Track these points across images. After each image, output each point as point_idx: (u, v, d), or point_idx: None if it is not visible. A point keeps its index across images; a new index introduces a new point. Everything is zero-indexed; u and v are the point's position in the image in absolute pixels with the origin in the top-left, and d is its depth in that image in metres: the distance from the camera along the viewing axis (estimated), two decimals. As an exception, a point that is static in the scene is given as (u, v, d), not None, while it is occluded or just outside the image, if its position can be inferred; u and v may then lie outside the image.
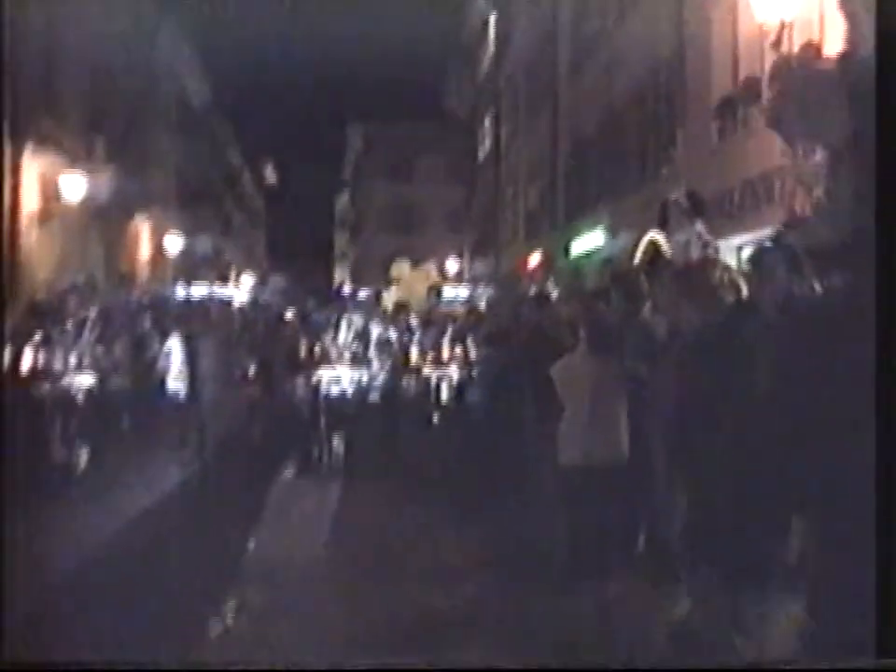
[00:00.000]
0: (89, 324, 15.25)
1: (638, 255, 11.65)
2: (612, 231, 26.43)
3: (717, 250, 10.50)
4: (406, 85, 62.04)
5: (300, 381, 16.31)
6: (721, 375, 6.50)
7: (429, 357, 16.84)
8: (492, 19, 49.59)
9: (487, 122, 53.35)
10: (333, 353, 16.20)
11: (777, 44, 13.40)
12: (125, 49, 36.60)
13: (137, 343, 16.25)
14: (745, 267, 8.23)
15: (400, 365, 16.92)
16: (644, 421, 8.92)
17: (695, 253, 10.30)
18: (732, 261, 9.20)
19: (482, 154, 55.53)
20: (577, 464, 9.55)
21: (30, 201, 27.32)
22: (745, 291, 7.64)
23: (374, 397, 16.65)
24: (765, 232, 11.09)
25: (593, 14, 30.18)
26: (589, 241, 30.05)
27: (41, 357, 14.11)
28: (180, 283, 39.11)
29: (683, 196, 11.30)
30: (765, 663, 5.61)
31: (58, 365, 14.25)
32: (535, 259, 38.61)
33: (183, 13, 43.76)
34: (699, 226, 10.75)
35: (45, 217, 28.07)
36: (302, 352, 16.36)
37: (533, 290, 34.93)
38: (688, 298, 7.99)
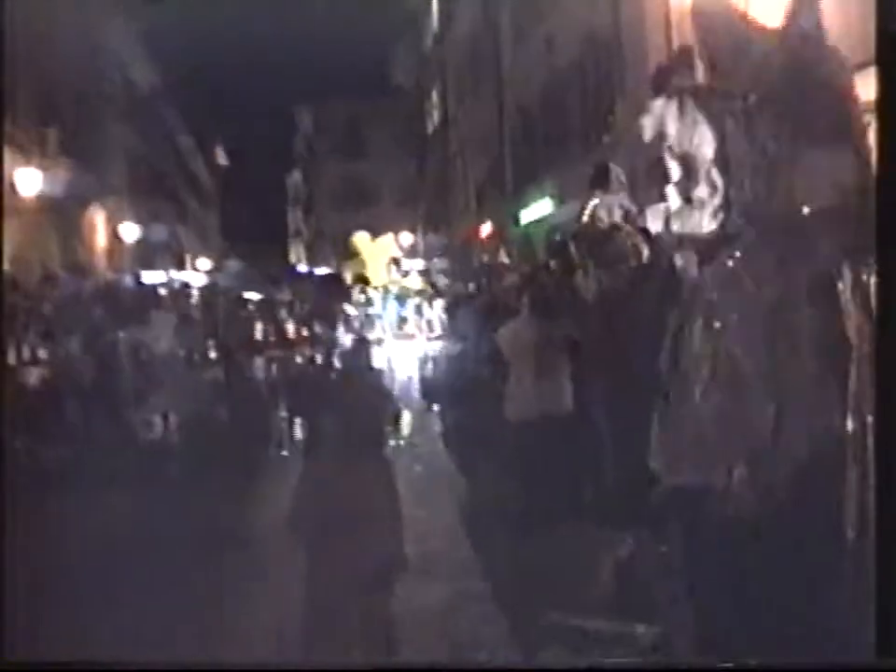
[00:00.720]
0: (44, 315, 15.41)
1: (584, 220, 12.09)
2: (559, 200, 27.01)
3: (633, 217, 10.99)
4: (352, 61, 62.39)
5: (259, 362, 16.24)
6: (634, 335, 6.91)
7: (393, 328, 16.86)
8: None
9: (434, 95, 53.76)
10: (293, 332, 16.37)
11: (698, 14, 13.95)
12: (71, 40, 36.86)
13: (93, 332, 15.74)
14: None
15: (362, 338, 16.16)
16: (582, 377, 9.53)
17: (615, 218, 10.86)
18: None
19: (430, 127, 55.96)
20: (524, 419, 10.30)
21: (-13, 197, 27.73)
22: (645, 256, 8.27)
23: (337, 372, 15.67)
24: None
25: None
26: (537, 209, 30.66)
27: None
28: (136, 270, 39.38)
29: (603, 168, 11.81)
30: (766, 663, 5.47)
31: (13, 358, 14.13)
32: (486, 228, 39.18)
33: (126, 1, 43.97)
34: (621, 195, 11.32)
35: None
36: (261, 332, 16.41)
37: (485, 260, 35.63)
38: (598, 262, 8.65)
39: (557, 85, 28.11)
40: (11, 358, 14.07)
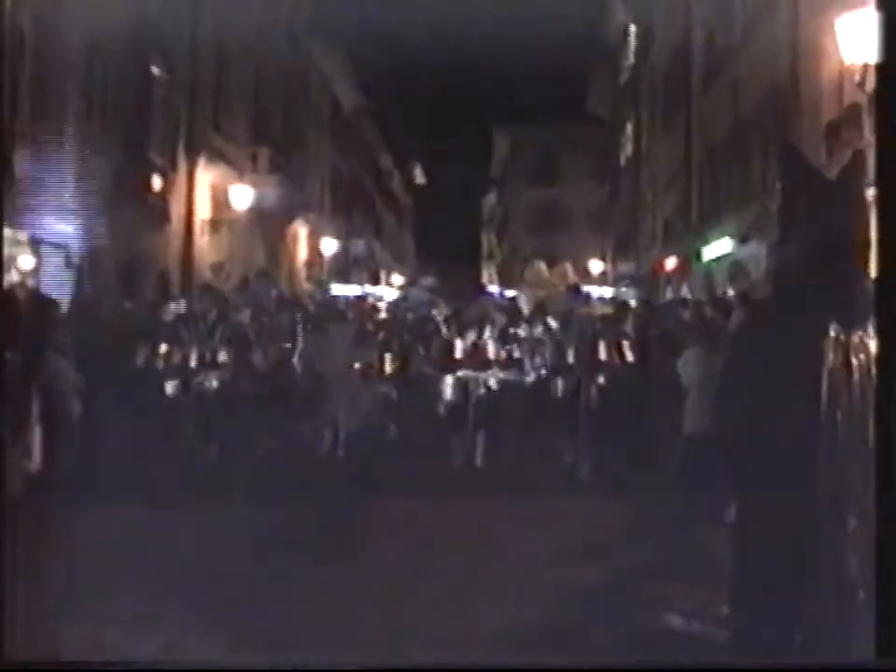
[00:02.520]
0: (234, 322, 15.26)
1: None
2: (739, 239, 28.05)
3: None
4: (550, 89, 63.71)
5: (438, 379, 15.91)
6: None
7: (571, 356, 15.89)
8: (632, 27, 51.20)
9: (629, 127, 54.89)
10: (474, 352, 15.69)
11: (861, 84, 15.20)
12: (281, 62, 38.94)
13: (275, 338, 15.70)
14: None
15: (541, 365, 16.08)
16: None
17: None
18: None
19: (623, 158, 57.08)
20: (694, 433, 11.87)
21: (203, 209, 29.89)
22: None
23: (516, 397, 15.75)
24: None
25: (722, 33, 31.97)
26: (719, 247, 31.76)
27: (180, 352, 14.36)
28: (330, 283, 41.06)
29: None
30: (766, 663, 5.60)
31: (194, 361, 14.45)
32: (671, 262, 40.25)
33: (332, 22, 45.87)
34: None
35: (215, 223, 30.56)
36: (443, 350, 16.01)
37: (669, 293, 36.53)
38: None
39: (741, 129, 29.27)
40: (193, 361, 14.43)
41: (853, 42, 15.82)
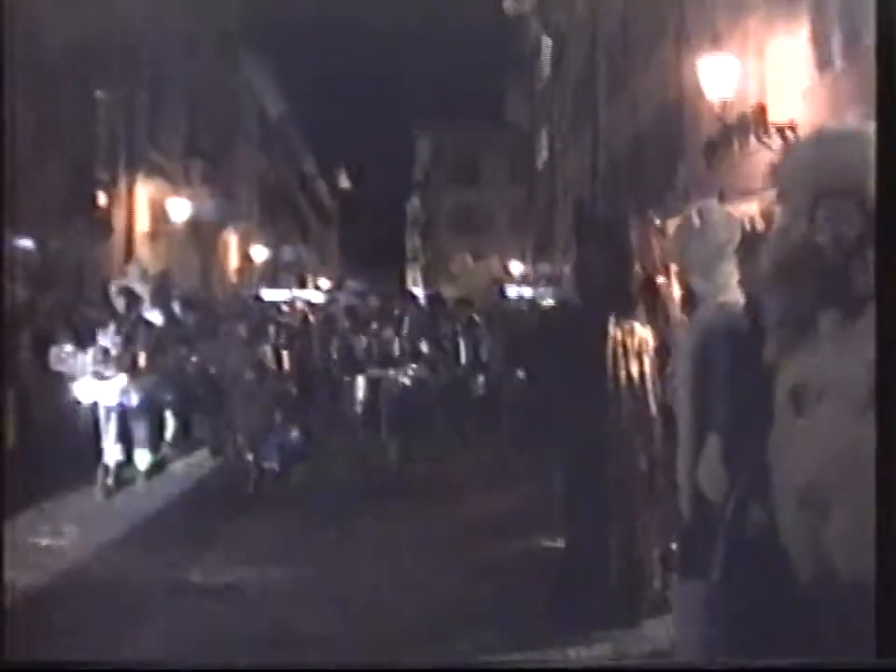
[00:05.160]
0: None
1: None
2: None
3: None
4: (470, 95, 65.50)
5: (355, 380, 15.87)
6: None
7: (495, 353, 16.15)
8: (545, 38, 53.52)
9: (543, 133, 57.05)
10: (391, 351, 15.61)
11: (721, 115, 17.81)
12: (212, 75, 40.53)
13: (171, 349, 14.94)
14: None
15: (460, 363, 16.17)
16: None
17: None
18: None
19: (539, 162, 59.19)
20: None
21: (142, 222, 31.86)
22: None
23: (433, 395, 15.55)
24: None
25: (623, 52, 34.45)
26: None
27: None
28: (258, 288, 42.28)
29: None
30: (766, 663, 4.96)
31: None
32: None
33: (258, 35, 47.69)
34: None
35: (154, 235, 32.46)
36: (359, 351, 16.07)
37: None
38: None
39: (638, 141, 31.69)
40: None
41: (715, 78, 18.37)
